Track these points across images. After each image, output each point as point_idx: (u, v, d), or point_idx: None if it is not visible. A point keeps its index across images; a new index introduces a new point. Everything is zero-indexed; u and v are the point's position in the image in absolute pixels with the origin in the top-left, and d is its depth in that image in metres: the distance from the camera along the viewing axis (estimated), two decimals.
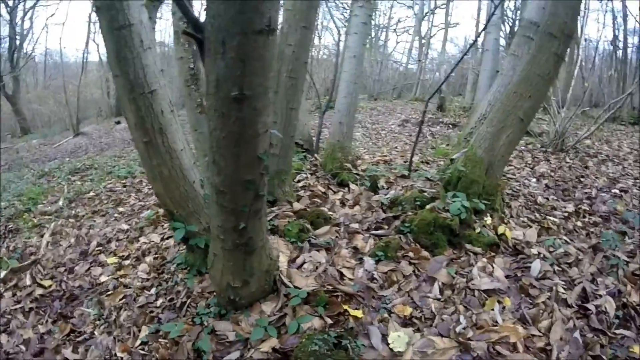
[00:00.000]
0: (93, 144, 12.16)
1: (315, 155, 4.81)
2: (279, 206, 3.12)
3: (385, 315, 2.20)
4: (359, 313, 2.17)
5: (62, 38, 34.05)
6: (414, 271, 2.55)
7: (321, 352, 1.85)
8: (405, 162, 4.63)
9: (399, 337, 2.04)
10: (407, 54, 21.80)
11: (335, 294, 2.27)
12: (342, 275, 2.47)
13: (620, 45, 13.28)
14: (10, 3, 17.68)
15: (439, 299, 2.35)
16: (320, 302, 2.19)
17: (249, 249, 1.95)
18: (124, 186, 5.44)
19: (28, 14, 19.42)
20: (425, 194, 3.18)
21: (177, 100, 10.50)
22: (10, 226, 4.66)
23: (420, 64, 16.79)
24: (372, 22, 18.42)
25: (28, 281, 3.30)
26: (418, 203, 3.07)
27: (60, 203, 5.14)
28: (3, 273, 3.47)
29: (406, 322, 2.19)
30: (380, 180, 3.87)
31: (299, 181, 3.77)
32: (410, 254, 2.66)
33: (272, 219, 2.87)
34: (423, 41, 17.75)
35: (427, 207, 2.94)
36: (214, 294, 2.37)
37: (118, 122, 15.91)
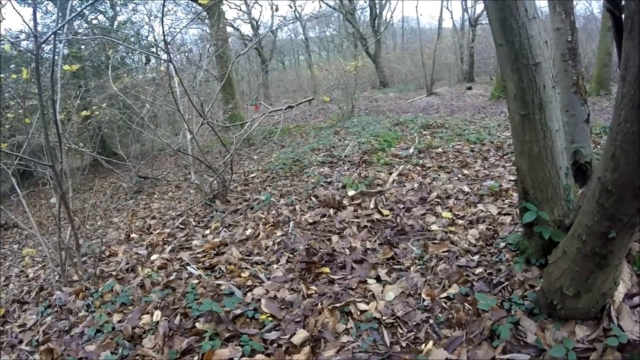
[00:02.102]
0: (444, 105, 13.05)
1: None
2: None
3: None
4: None
5: (417, 6, 37.48)
6: None
7: None
8: None
9: None
10: None
11: None
12: None
13: None
14: None
15: None
16: (634, 357, 1.80)
17: (604, 262, 1.74)
18: (472, 151, 5.63)
19: None
20: None
21: None
22: (365, 158, 5.64)
23: None
24: None
25: (371, 205, 3.94)
26: None
27: (411, 151, 5.80)
28: (353, 192, 4.28)
29: None
30: None
31: None
32: None
33: None
34: None
35: None
36: (535, 289, 2.26)
37: (469, 88, 16.59)
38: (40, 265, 4.72)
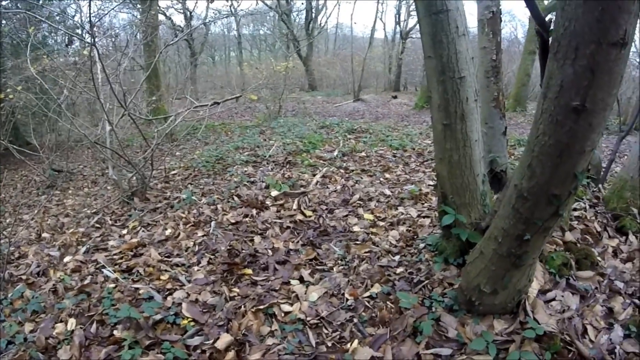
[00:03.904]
0: (369, 111, 13.47)
1: (600, 186, 4.15)
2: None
3: None
4: None
5: (352, 14, 38.83)
6: None
7: None
8: None
9: None
10: None
11: (569, 348, 2.01)
12: (585, 331, 2.16)
13: None
14: None
15: None
16: (552, 348, 1.98)
17: (519, 262, 1.87)
18: (394, 156, 5.82)
19: None
20: None
21: None
22: (289, 159, 5.63)
23: None
24: None
25: (294, 206, 3.93)
26: None
27: (335, 154, 5.87)
28: (276, 193, 4.25)
29: None
30: None
31: (574, 209, 3.38)
32: None
33: None
34: None
35: None
36: (454, 287, 2.38)
37: (395, 97, 17.31)
38: None
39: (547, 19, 1.73)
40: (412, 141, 6.80)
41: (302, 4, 22.85)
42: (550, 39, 1.57)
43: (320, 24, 24.44)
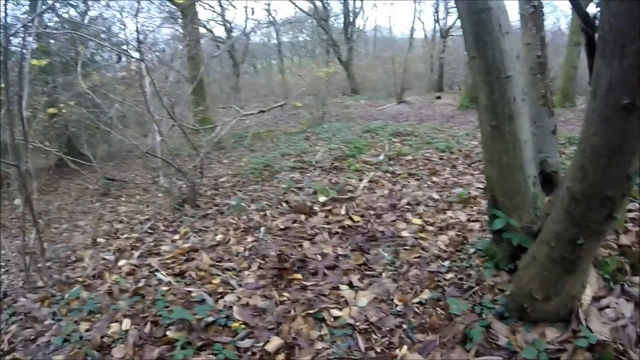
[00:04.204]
0: (413, 114, 13.27)
1: None
2: None
3: None
4: None
5: (390, 16, 38.48)
6: None
7: None
8: None
9: None
10: None
11: (622, 357, 1.90)
12: (639, 340, 2.02)
13: None
14: None
15: None
16: (604, 357, 1.87)
17: (572, 267, 1.82)
18: (441, 159, 5.74)
19: None
20: None
21: None
22: (335, 164, 5.68)
23: None
24: None
25: (342, 211, 3.96)
26: None
27: (381, 158, 5.86)
28: (324, 198, 4.30)
29: None
30: None
31: (629, 210, 3.21)
32: None
33: None
34: None
35: None
36: (505, 293, 2.33)
37: (439, 97, 17.03)
38: (3, 270, 4.50)
39: (591, 13, 1.68)
40: (459, 143, 6.67)
41: (340, 9, 22.97)
42: (596, 35, 1.52)
43: (359, 27, 24.43)
